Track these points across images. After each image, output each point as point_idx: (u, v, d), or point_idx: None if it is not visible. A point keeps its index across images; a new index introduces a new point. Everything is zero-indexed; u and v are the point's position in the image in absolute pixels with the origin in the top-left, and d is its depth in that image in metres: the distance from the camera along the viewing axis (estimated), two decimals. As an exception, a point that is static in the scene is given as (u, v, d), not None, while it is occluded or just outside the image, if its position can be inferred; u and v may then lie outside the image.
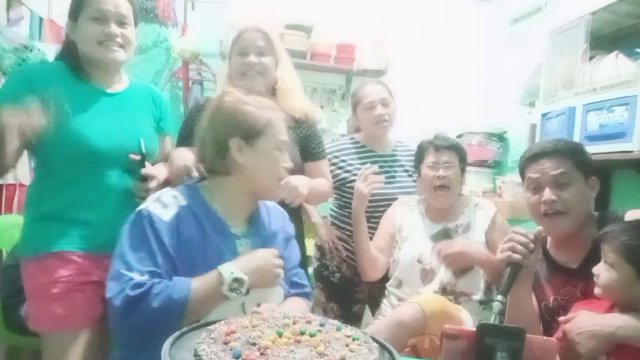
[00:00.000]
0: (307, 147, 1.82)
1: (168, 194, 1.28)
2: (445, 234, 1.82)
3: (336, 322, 1.00)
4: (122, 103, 1.52)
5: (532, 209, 1.46)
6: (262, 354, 0.82)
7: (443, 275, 1.75)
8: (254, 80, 1.70)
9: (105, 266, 1.31)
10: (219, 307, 1.19)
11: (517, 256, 1.24)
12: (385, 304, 1.88)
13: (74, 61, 1.48)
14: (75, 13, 1.46)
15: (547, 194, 1.39)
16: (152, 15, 2.99)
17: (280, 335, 0.90)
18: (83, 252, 1.41)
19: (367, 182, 1.86)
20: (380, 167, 2.08)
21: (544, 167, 1.41)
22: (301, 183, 1.58)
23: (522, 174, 1.50)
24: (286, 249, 1.43)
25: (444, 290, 1.74)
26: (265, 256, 1.27)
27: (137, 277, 1.14)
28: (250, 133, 1.28)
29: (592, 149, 1.92)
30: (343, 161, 2.11)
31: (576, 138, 2.02)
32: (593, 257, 1.34)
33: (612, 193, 2.25)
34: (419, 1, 3.62)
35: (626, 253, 1.18)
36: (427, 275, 1.78)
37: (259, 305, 1.23)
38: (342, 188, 2.10)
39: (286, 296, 1.38)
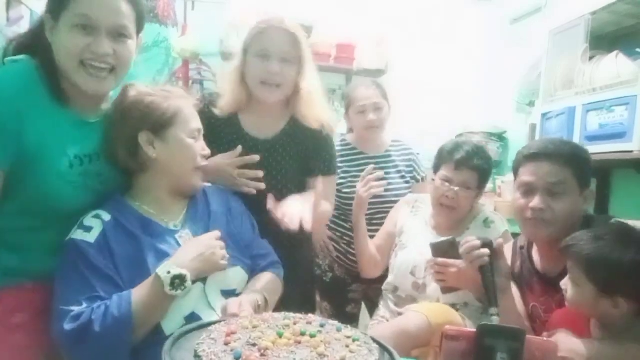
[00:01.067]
0: (316, 160, 1.64)
1: (89, 215, 1.21)
2: (451, 247, 1.55)
3: (336, 323, 1.00)
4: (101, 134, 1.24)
5: (518, 211, 1.39)
6: (262, 354, 0.82)
7: (436, 291, 1.68)
8: (271, 94, 1.53)
9: (38, 299, 1.19)
10: (176, 307, 1.16)
11: (477, 260, 1.29)
12: (382, 305, 1.87)
13: (48, 69, 1.13)
14: (56, 10, 1.11)
15: (537, 201, 1.31)
16: (152, 14, 2.98)
17: (280, 336, 0.90)
18: (8, 287, 1.18)
19: (367, 186, 1.84)
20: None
21: (540, 171, 1.32)
22: (299, 212, 1.32)
23: (516, 171, 1.41)
24: (233, 226, 1.37)
25: (437, 302, 1.69)
26: (203, 242, 1.22)
27: (75, 309, 1.10)
28: (159, 125, 1.23)
29: (592, 149, 1.92)
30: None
31: (576, 138, 2.02)
32: None
33: (612, 193, 2.25)
34: (419, 1, 3.62)
35: (587, 269, 1.13)
36: (419, 289, 1.73)
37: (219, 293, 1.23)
38: None
39: (253, 273, 1.35)
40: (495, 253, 1.36)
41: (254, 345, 0.85)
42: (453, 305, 1.68)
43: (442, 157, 1.75)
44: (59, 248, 1.17)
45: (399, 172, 2.12)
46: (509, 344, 1.00)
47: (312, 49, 3.23)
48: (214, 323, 0.98)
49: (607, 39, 2.23)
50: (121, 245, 1.18)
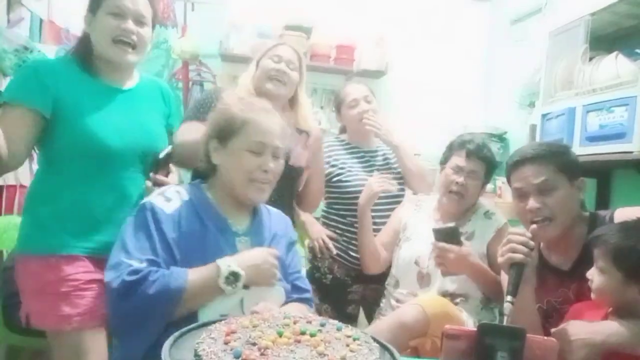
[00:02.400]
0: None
1: (172, 189, 1.33)
2: (452, 233, 1.66)
3: (336, 322, 1.01)
4: (133, 100, 1.51)
5: (520, 216, 1.46)
6: (262, 354, 0.82)
7: (440, 280, 1.74)
8: (278, 88, 1.79)
9: (86, 270, 1.38)
10: (217, 303, 1.21)
11: (518, 256, 1.23)
12: (384, 303, 1.88)
13: (86, 55, 1.46)
14: (94, 6, 1.45)
15: (532, 202, 1.38)
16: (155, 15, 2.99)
17: (280, 335, 0.90)
18: (90, 255, 1.40)
19: (381, 181, 1.89)
20: (366, 161, 2.14)
21: (526, 175, 1.40)
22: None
23: (509, 181, 1.49)
24: (288, 254, 1.44)
25: (442, 294, 1.72)
26: (263, 255, 1.28)
27: (136, 264, 1.17)
28: (225, 134, 1.32)
29: (592, 149, 1.93)
30: (329, 157, 2.12)
31: (576, 139, 2.02)
32: (584, 258, 1.34)
33: (612, 193, 2.25)
34: (419, 1, 3.62)
35: (615, 258, 1.17)
36: (423, 279, 1.77)
37: (257, 304, 1.24)
38: (329, 184, 2.10)
39: (287, 300, 1.38)
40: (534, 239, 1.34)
41: (254, 344, 0.85)
42: (453, 299, 1.70)
43: (454, 148, 1.86)
44: (110, 219, 1.39)
45: (389, 167, 2.16)
46: (510, 342, 1.00)
47: (312, 50, 3.31)
48: (214, 322, 0.98)
49: (607, 39, 2.23)
50: (190, 226, 1.26)
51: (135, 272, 1.16)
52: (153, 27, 1.54)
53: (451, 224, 1.68)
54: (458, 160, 1.81)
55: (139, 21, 1.46)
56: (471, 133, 3.04)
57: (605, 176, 2.26)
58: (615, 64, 1.93)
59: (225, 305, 1.22)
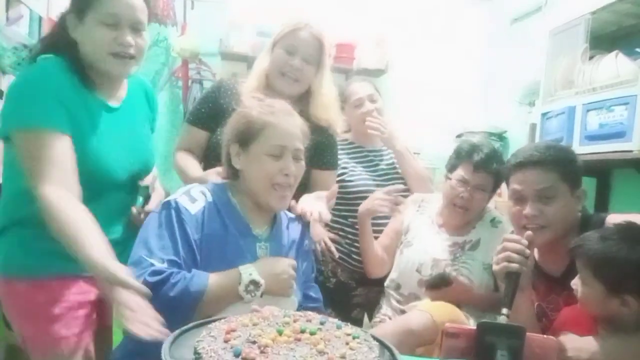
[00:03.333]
0: (319, 154, 1.75)
1: (197, 189, 1.32)
2: (441, 281, 1.65)
3: (336, 321, 1.01)
4: (126, 118, 1.40)
5: (513, 218, 1.42)
6: (262, 352, 0.82)
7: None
8: (289, 85, 1.69)
9: (77, 291, 1.31)
10: (231, 309, 1.19)
11: (514, 265, 1.20)
12: (384, 303, 1.87)
13: (76, 65, 1.30)
14: (81, 10, 1.28)
15: (530, 209, 1.35)
16: (151, 14, 2.99)
17: (280, 333, 0.89)
18: (83, 275, 1.31)
19: (387, 201, 1.78)
20: (370, 161, 2.11)
21: (528, 179, 1.36)
22: (316, 206, 1.50)
23: (507, 180, 1.45)
24: (303, 262, 1.43)
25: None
26: (284, 265, 1.28)
27: (157, 264, 1.17)
28: (245, 138, 1.31)
29: (591, 148, 1.94)
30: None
31: (576, 138, 2.02)
32: (575, 264, 1.32)
33: (612, 193, 2.25)
34: (419, 1, 3.62)
35: (595, 269, 1.14)
36: (424, 286, 1.73)
37: None
38: None
39: (298, 309, 1.36)
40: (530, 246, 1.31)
41: (254, 342, 0.85)
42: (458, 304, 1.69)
43: (460, 157, 1.75)
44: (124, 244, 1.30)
45: (394, 167, 2.14)
46: (509, 341, 1.00)
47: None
48: (214, 321, 0.98)
49: (607, 38, 2.23)
50: (213, 228, 1.25)
51: (157, 272, 1.15)
52: (148, 22, 1.41)
53: (438, 273, 1.67)
54: (465, 172, 1.71)
55: (136, 29, 1.32)
56: (462, 136, 3.05)
57: (605, 175, 2.26)
58: (615, 63, 1.93)
59: (239, 312, 1.18)
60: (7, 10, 2.17)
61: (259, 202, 1.32)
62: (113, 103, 1.38)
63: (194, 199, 1.27)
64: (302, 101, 1.71)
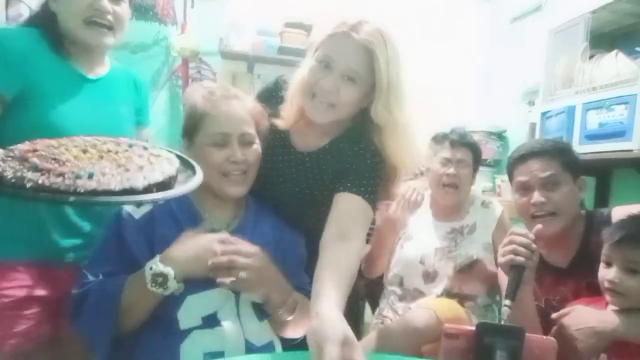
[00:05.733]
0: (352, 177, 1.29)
1: None
2: (472, 264, 1.72)
3: (146, 144, 1.02)
4: (103, 91, 1.34)
5: (521, 210, 1.44)
6: (60, 165, 0.82)
7: (447, 278, 1.72)
8: (318, 111, 1.24)
9: (56, 279, 1.24)
10: (201, 299, 1.13)
11: (520, 259, 1.20)
12: (384, 303, 1.86)
13: (53, 35, 1.25)
14: None
15: (537, 196, 1.38)
16: (151, 13, 2.97)
17: (85, 152, 0.90)
18: (28, 263, 1.23)
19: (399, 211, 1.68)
20: None
21: (532, 169, 1.39)
22: None
23: (511, 175, 1.48)
24: (280, 254, 1.26)
25: (448, 294, 1.72)
26: (202, 243, 1.12)
27: (90, 277, 1.13)
28: (190, 131, 1.25)
29: (591, 148, 1.93)
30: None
31: (576, 137, 2.02)
32: (582, 256, 1.34)
33: (612, 192, 2.25)
34: (419, 1, 3.61)
35: None
36: (429, 276, 1.76)
37: (252, 302, 1.19)
38: None
39: None
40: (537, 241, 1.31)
41: (55, 159, 0.83)
42: (462, 299, 1.70)
43: (438, 141, 1.84)
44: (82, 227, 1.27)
45: None
46: (509, 342, 0.99)
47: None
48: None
49: (607, 37, 2.23)
50: (163, 229, 1.17)
51: (84, 284, 1.13)
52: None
53: (468, 259, 1.72)
54: (444, 152, 1.80)
55: None
56: (472, 132, 3.03)
57: (605, 174, 2.26)
58: (615, 62, 1.93)
59: (206, 306, 1.14)
60: (6, 8, 2.17)
61: (215, 192, 1.24)
62: (91, 74, 1.33)
63: (140, 203, 1.17)
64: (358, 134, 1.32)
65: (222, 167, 1.21)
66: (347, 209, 1.21)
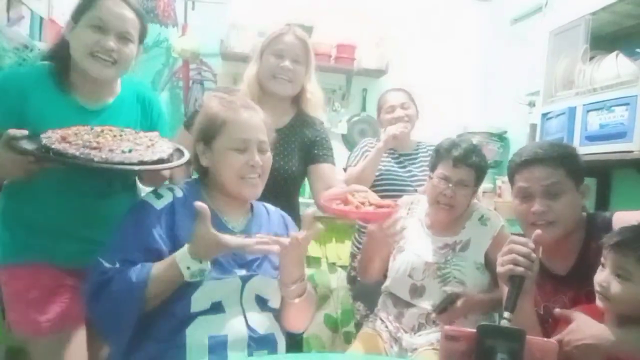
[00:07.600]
0: (319, 149, 1.79)
1: (165, 186, 1.36)
2: (447, 300, 1.63)
3: (137, 130, 1.35)
4: (104, 121, 1.39)
5: (520, 216, 1.40)
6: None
7: (435, 293, 1.68)
8: (283, 86, 1.73)
9: (79, 276, 1.33)
10: (213, 286, 1.22)
11: (519, 269, 1.17)
12: (381, 305, 1.83)
13: (62, 64, 1.38)
14: (77, 14, 1.36)
15: (538, 205, 1.34)
16: (152, 15, 2.98)
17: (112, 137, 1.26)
18: (57, 265, 1.38)
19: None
20: (402, 165, 2.23)
21: (534, 176, 1.35)
22: None
23: (512, 179, 1.44)
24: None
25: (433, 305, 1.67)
26: (203, 234, 1.19)
27: (107, 265, 1.19)
28: (208, 135, 1.33)
29: (592, 149, 1.94)
30: (365, 158, 2.17)
31: (576, 138, 2.02)
32: (581, 264, 1.32)
33: (612, 193, 2.25)
34: (419, 1, 3.62)
35: None
36: (416, 291, 1.71)
37: (255, 294, 1.28)
38: None
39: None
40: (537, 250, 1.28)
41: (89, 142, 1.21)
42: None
43: (440, 155, 1.73)
44: (66, 231, 1.36)
45: (424, 170, 2.17)
46: (509, 344, 0.99)
47: (313, 49, 3.25)
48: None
49: (607, 39, 2.23)
50: (183, 221, 1.24)
51: (104, 272, 1.18)
52: (141, 41, 1.47)
53: (442, 298, 1.64)
54: (445, 169, 1.70)
55: (123, 37, 1.37)
56: (462, 136, 3.03)
57: (605, 176, 2.26)
58: (615, 64, 1.94)
59: (216, 292, 1.23)
60: (8, 10, 2.17)
61: (231, 194, 1.34)
62: (92, 106, 1.41)
63: (160, 195, 1.29)
64: (296, 102, 1.82)
65: (241, 170, 1.30)
66: (327, 178, 1.75)
